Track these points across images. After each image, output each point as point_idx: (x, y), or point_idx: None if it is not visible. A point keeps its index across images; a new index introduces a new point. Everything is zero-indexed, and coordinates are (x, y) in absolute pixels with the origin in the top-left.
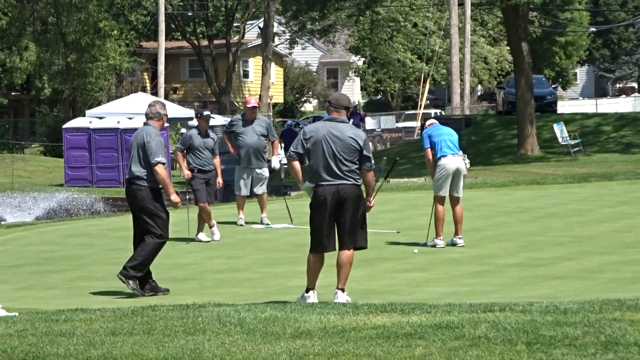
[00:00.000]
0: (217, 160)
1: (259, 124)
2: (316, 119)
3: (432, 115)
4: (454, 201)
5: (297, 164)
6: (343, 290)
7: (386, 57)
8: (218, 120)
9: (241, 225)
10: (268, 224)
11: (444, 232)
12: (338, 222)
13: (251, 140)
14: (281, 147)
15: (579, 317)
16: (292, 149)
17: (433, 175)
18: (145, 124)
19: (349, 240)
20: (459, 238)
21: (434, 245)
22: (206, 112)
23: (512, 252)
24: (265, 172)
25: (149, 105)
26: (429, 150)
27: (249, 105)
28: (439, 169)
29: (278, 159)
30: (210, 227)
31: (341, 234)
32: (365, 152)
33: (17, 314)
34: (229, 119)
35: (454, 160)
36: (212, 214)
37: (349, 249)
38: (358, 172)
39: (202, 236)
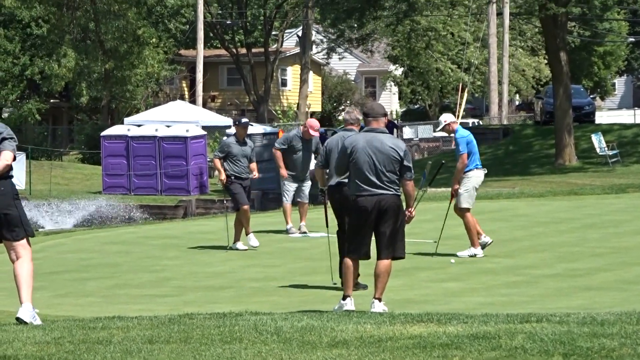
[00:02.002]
0: (253, 165)
1: (313, 142)
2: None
3: (449, 119)
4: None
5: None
6: (380, 299)
7: (426, 66)
8: (257, 128)
9: (293, 233)
10: (305, 233)
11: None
12: (377, 232)
13: (305, 157)
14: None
15: (615, 329)
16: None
17: (457, 183)
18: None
19: (388, 250)
20: (485, 236)
21: (475, 255)
22: (244, 120)
23: (549, 263)
24: (309, 183)
25: (348, 112)
26: (466, 156)
27: (312, 132)
28: (473, 180)
29: None
30: (247, 234)
31: (380, 244)
32: (405, 163)
33: (41, 322)
34: (268, 128)
35: (482, 175)
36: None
37: (387, 258)
38: (398, 182)
39: (239, 245)
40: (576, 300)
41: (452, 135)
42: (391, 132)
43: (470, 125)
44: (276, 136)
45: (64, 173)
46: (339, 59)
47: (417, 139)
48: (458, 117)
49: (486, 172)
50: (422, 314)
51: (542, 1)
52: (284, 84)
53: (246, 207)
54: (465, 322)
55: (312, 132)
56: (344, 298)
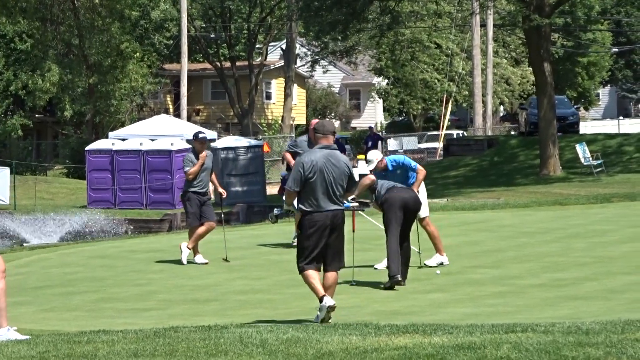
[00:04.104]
0: (213, 177)
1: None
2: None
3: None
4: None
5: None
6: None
7: (411, 77)
8: (241, 141)
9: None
10: None
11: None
12: (328, 246)
13: None
14: None
15: (601, 338)
16: (293, 185)
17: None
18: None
19: (337, 262)
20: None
21: (442, 263)
22: (202, 135)
23: (534, 273)
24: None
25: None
26: (421, 167)
27: (312, 127)
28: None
29: None
30: (189, 249)
31: (329, 257)
32: (353, 178)
33: (29, 337)
34: (252, 141)
35: None
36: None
37: (336, 270)
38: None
39: (198, 258)
40: (562, 309)
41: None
42: (376, 144)
43: (455, 136)
44: (260, 149)
45: (49, 188)
46: (323, 71)
47: (402, 150)
48: (442, 129)
49: None
50: (408, 325)
51: (526, 12)
52: (268, 96)
53: (204, 227)
54: (451, 333)
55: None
56: (321, 300)
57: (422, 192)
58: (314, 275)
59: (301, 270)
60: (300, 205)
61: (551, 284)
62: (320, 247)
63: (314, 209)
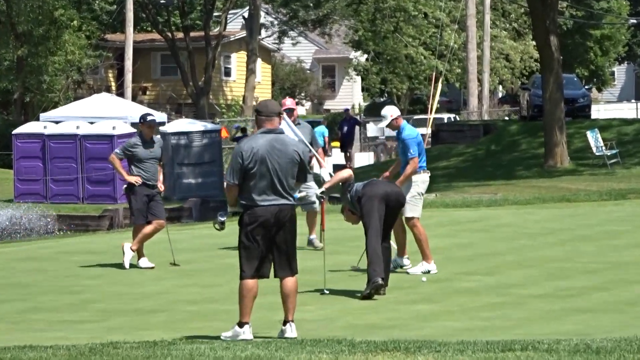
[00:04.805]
0: (160, 169)
1: (303, 131)
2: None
3: (395, 113)
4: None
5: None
6: (293, 321)
7: (394, 52)
8: (196, 126)
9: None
10: (321, 247)
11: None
12: (277, 247)
13: None
14: None
15: (613, 358)
16: (232, 178)
17: (402, 184)
18: None
19: (291, 266)
20: (407, 258)
21: (429, 271)
22: (151, 117)
23: (536, 281)
24: (312, 183)
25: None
26: (417, 159)
27: (284, 108)
28: (420, 186)
29: (327, 171)
30: (132, 250)
31: (280, 260)
32: (305, 167)
33: None
34: (209, 125)
35: (428, 179)
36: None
37: (292, 275)
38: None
39: (143, 262)
40: (568, 324)
41: (396, 132)
42: (352, 130)
43: (446, 121)
44: (218, 134)
45: None
46: (293, 44)
47: (383, 137)
48: (431, 112)
49: (430, 174)
50: (388, 342)
51: None
52: (228, 73)
53: (151, 226)
54: (438, 351)
55: (284, 108)
56: (241, 325)
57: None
58: (250, 288)
59: (241, 278)
60: (240, 200)
61: (556, 293)
62: (264, 249)
63: (255, 203)
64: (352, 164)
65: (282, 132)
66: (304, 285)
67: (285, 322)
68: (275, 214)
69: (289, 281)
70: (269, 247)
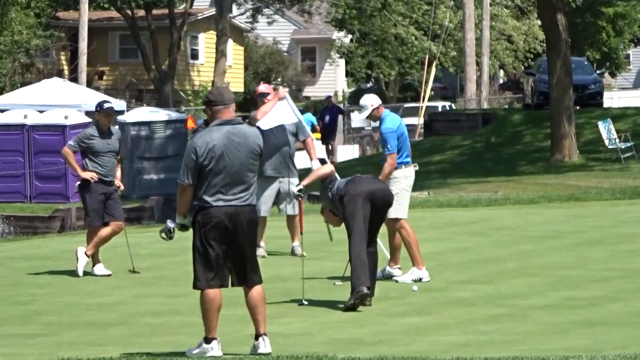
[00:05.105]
0: (118, 164)
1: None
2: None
3: (375, 102)
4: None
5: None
6: (266, 334)
7: (381, 32)
8: (159, 115)
9: (263, 257)
10: (303, 255)
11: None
12: (237, 252)
13: (277, 141)
14: None
15: None
16: (185, 177)
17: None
18: None
19: (255, 274)
20: (399, 268)
21: (420, 279)
22: (108, 105)
23: (541, 290)
24: (296, 181)
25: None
26: (396, 155)
27: (258, 93)
28: (402, 182)
29: (318, 163)
30: (87, 256)
31: (244, 267)
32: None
33: None
34: (173, 114)
35: (413, 173)
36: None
37: (259, 284)
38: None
39: (98, 269)
40: (576, 339)
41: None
42: (335, 119)
43: (440, 109)
44: (184, 124)
45: None
46: (268, 23)
47: (370, 128)
48: (424, 100)
49: (417, 168)
50: (374, 359)
51: None
52: (195, 56)
53: (108, 228)
54: None
55: (258, 93)
56: (208, 341)
57: (393, 185)
58: (213, 298)
59: (196, 287)
60: (193, 201)
61: (562, 304)
62: (221, 254)
63: (209, 203)
64: (334, 158)
65: (240, 123)
66: (280, 295)
67: (257, 337)
68: (230, 215)
69: (254, 290)
70: (226, 253)
